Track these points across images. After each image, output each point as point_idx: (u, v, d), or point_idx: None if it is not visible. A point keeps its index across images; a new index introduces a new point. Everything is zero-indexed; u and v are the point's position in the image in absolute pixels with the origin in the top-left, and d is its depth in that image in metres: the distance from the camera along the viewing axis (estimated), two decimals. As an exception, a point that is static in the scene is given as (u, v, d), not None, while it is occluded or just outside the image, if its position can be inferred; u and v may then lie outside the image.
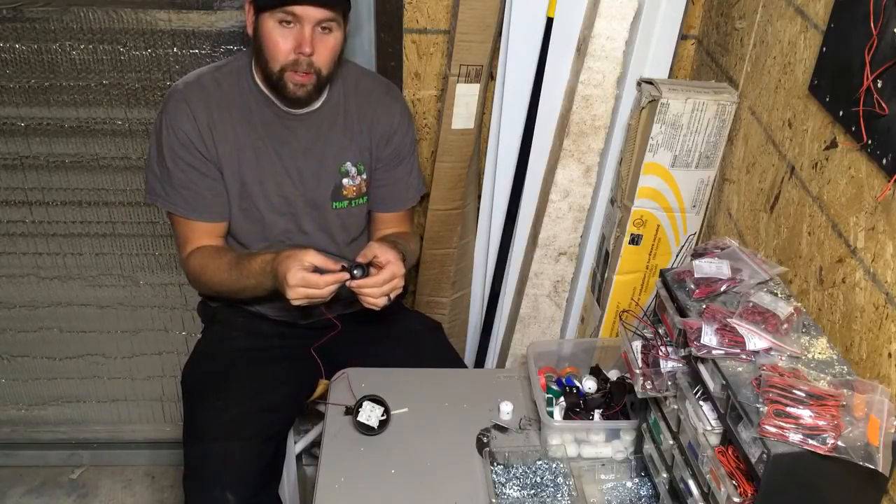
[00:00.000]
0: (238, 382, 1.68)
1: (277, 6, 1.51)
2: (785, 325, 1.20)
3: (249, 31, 1.60)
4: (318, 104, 1.68)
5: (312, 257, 1.49)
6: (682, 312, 1.29)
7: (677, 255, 1.82)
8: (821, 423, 1.01)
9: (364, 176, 1.74)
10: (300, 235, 1.73)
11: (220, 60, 1.73)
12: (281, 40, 1.54)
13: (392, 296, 1.56)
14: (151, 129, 1.73)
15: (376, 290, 1.53)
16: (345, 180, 1.72)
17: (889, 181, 1.10)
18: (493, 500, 1.40)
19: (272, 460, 1.68)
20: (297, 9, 1.51)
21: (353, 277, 1.51)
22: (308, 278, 1.47)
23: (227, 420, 1.61)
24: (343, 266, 1.51)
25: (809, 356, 1.17)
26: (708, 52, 1.88)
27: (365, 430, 1.54)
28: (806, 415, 1.02)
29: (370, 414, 1.54)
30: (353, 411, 1.55)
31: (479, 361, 2.22)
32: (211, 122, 1.63)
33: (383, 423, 1.55)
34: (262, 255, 1.61)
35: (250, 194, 1.68)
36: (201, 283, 1.73)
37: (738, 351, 1.16)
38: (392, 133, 1.75)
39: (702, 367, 1.20)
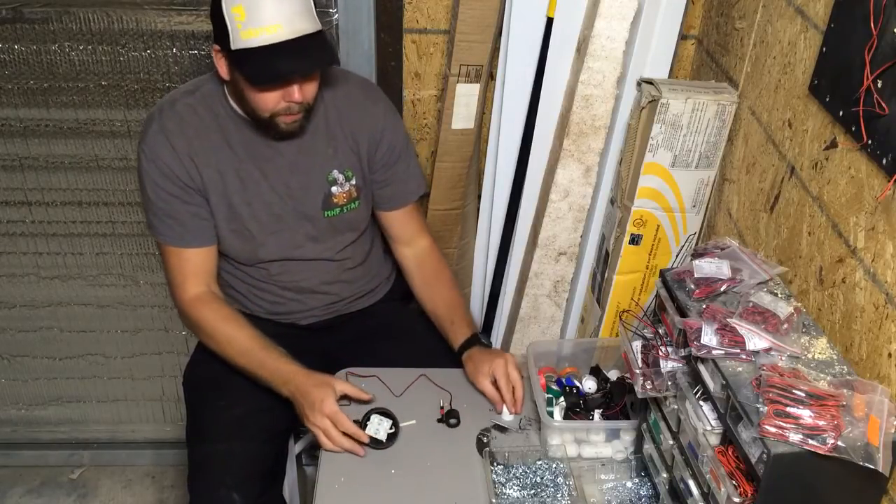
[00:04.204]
0: (241, 382, 1.67)
1: (273, 84, 1.48)
2: (785, 325, 1.20)
3: (223, 75, 1.53)
4: None
5: (343, 386, 1.53)
6: (682, 312, 1.29)
7: (677, 255, 1.82)
8: (821, 423, 1.02)
9: (353, 181, 1.72)
10: (293, 249, 1.71)
11: (189, 82, 1.68)
12: (268, 96, 1.50)
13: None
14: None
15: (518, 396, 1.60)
16: (333, 188, 1.69)
17: (889, 181, 1.10)
18: (493, 500, 1.40)
19: (275, 460, 1.68)
20: None
21: (373, 445, 1.51)
22: (343, 422, 1.48)
23: (231, 420, 1.62)
24: (370, 438, 1.50)
25: (809, 356, 1.17)
26: (708, 52, 1.88)
27: (373, 443, 1.51)
28: (806, 415, 1.02)
29: (378, 427, 1.51)
30: (360, 425, 1.52)
31: (480, 361, 2.22)
32: (191, 151, 1.60)
33: (392, 437, 1.52)
34: (288, 362, 1.59)
35: (239, 216, 1.66)
36: (206, 338, 1.69)
37: (738, 351, 1.16)
38: (381, 134, 1.71)
39: (702, 367, 1.20)
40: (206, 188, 1.63)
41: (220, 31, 1.46)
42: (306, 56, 1.47)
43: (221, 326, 1.65)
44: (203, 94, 1.63)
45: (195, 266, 1.67)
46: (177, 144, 1.59)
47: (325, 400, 1.49)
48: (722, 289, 1.29)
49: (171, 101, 1.64)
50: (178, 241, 1.65)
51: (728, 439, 1.15)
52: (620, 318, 1.54)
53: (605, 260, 1.90)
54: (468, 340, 1.68)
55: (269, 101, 1.51)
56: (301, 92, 1.50)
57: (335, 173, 1.69)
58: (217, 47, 1.51)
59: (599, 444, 1.53)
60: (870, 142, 1.14)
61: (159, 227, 1.65)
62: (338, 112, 1.68)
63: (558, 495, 1.43)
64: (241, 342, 1.63)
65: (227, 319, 1.66)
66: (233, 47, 1.44)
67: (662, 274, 1.39)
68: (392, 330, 1.85)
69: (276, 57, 1.44)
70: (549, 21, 1.82)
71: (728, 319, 1.19)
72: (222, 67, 1.53)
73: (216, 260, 1.71)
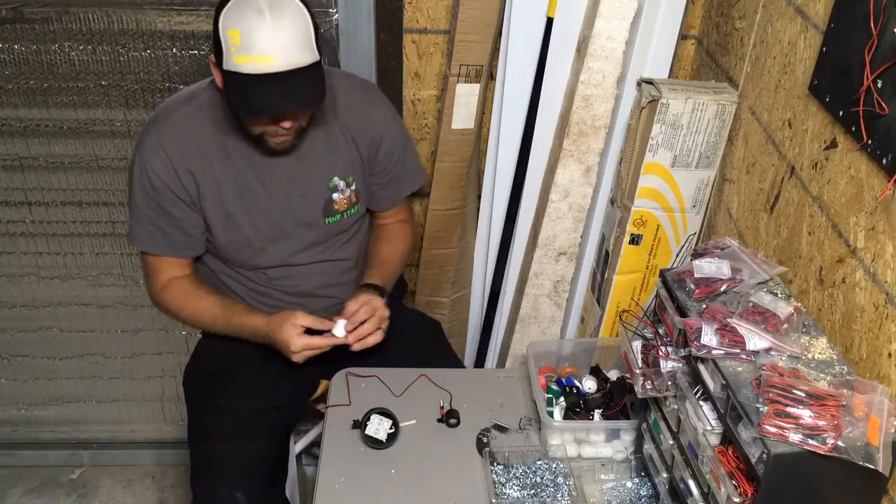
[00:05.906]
0: (241, 382, 1.68)
1: (252, 117, 1.49)
2: (785, 325, 1.20)
3: (218, 84, 1.50)
4: None
5: (303, 320, 1.58)
6: (682, 312, 1.29)
7: (677, 255, 1.82)
8: (821, 423, 1.02)
9: (353, 187, 1.71)
10: (292, 256, 1.71)
11: (189, 88, 1.67)
12: (256, 120, 1.50)
13: (384, 326, 1.64)
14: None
15: (366, 329, 1.61)
16: (335, 195, 1.69)
17: (889, 181, 1.10)
18: (493, 500, 1.40)
19: (277, 459, 1.68)
20: None
21: (373, 445, 1.54)
22: (311, 342, 1.58)
23: (233, 419, 1.62)
24: (332, 321, 1.59)
25: (809, 356, 1.17)
26: (708, 52, 1.88)
27: (373, 443, 1.51)
28: (806, 415, 1.02)
29: (378, 427, 1.51)
30: (360, 425, 1.53)
31: (479, 361, 2.22)
32: (187, 162, 1.59)
33: (391, 437, 1.52)
34: (251, 316, 1.65)
35: (237, 224, 1.65)
36: (178, 318, 1.74)
37: (738, 351, 1.16)
38: (380, 139, 1.71)
39: (702, 367, 1.20)
40: (203, 198, 1.62)
41: (216, 46, 1.45)
42: (294, 92, 1.43)
43: (186, 305, 1.70)
44: (201, 102, 1.62)
45: (170, 265, 1.70)
46: (173, 156, 1.58)
47: (290, 341, 1.56)
48: (722, 289, 1.29)
49: (168, 110, 1.62)
50: (156, 250, 1.68)
51: (728, 439, 1.15)
52: (620, 318, 1.54)
53: (605, 260, 1.90)
54: (370, 285, 1.69)
55: (258, 125, 1.52)
56: (290, 121, 1.50)
57: (336, 180, 1.68)
58: (213, 59, 1.49)
59: (599, 444, 1.53)
60: (870, 142, 1.14)
61: (140, 236, 1.67)
62: (339, 117, 1.67)
63: (558, 495, 1.43)
64: (207, 313, 1.69)
65: (189, 296, 1.70)
66: (224, 67, 1.43)
67: (662, 274, 1.39)
68: (392, 330, 1.85)
69: (262, 88, 1.40)
70: (549, 21, 1.82)
71: (728, 319, 1.19)
72: (217, 78, 1.51)
73: (192, 263, 1.73)
